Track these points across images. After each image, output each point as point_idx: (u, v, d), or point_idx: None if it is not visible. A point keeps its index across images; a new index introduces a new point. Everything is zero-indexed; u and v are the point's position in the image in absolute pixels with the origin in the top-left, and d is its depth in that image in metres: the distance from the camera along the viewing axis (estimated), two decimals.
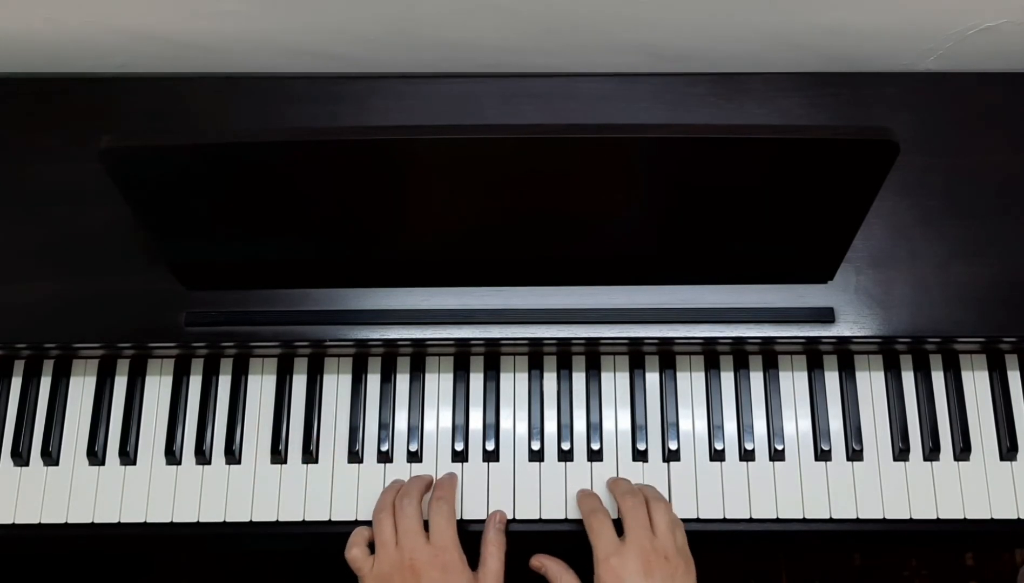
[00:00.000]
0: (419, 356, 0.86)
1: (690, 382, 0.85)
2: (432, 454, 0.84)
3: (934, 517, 0.82)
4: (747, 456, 0.83)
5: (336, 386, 0.85)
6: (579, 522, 0.78)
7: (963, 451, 0.83)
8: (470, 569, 0.75)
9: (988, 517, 0.82)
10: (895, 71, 0.89)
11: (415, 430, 0.84)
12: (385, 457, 0.83)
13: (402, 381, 0.85)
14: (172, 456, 0.83)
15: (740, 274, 0.79)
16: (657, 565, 0.72)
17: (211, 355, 0.86)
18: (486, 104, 0.82)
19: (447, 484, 0.80)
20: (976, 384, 0.85)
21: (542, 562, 0.78)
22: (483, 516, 0.81)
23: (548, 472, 0.83)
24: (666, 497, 0.81)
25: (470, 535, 0.81)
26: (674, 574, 0.72)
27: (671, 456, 0.83)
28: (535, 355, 0.86)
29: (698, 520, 0.81)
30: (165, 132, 0.78)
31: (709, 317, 0.79)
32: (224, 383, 0.86)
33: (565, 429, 0.84)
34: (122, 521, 0.82)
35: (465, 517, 0.82)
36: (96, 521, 0.82)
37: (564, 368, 0.86)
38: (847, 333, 0.79)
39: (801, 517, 0.82)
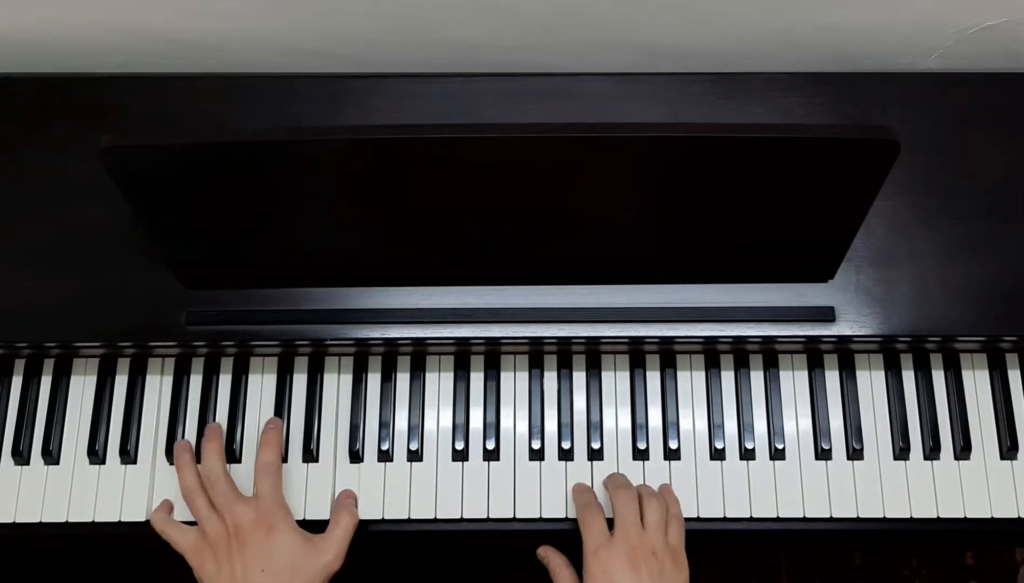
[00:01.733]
0: (419, 355, 0.86)
1: (690, 381, 0.85)
2: (432, 453, 0.84)
3: (934, 516, 0.82)
4: (747, 455, 0.83)
5: (336, 385, 0.85)
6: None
7: (963, 450, 0.83)
8: (303, 531, 0.76)
9: (988, 516, 0.82)
10: (895, 70, 0.89)
11: (415, 429, 0.84)
12: (385, 456, 0.83)
13: (402, 380, 0.85)
14: (173, 455, 0.83)
15: (740, 273, 0.79)
16: (643, 560, 0.73)
17: (211, 354, 0.86)
18: (486, 104, 0.82)
19: (272, 443, 0.80)
20: (976, 383, 0.85)
21: (547, 553, 0.79)
22: (484, 515, 0.81)
23: (548, 471, 0.83)
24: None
25: (472, 535, 0.81)
26: (661, 569, 0.73)
27: (671, 455, 0.83)
28: (535, 354, 0.86)
29: (699, 519, 0.81)
30: (165, 131, 0.78)
31: (709, 316, 0.79)
32: (224, 382, 0.86)
33: (565, 428, 0.84)
34: (123, 520, 0.82)
35: (466, 516, 0.82)
36: (96, 520, 0.82)
37: (564, 367, 0.86)
38: (847, 332, 0.79)
39: (801, 516, 0.82)
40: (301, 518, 0.81)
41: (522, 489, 0.82)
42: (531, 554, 0.80)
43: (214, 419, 0.85)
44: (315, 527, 0.79)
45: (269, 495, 0.76)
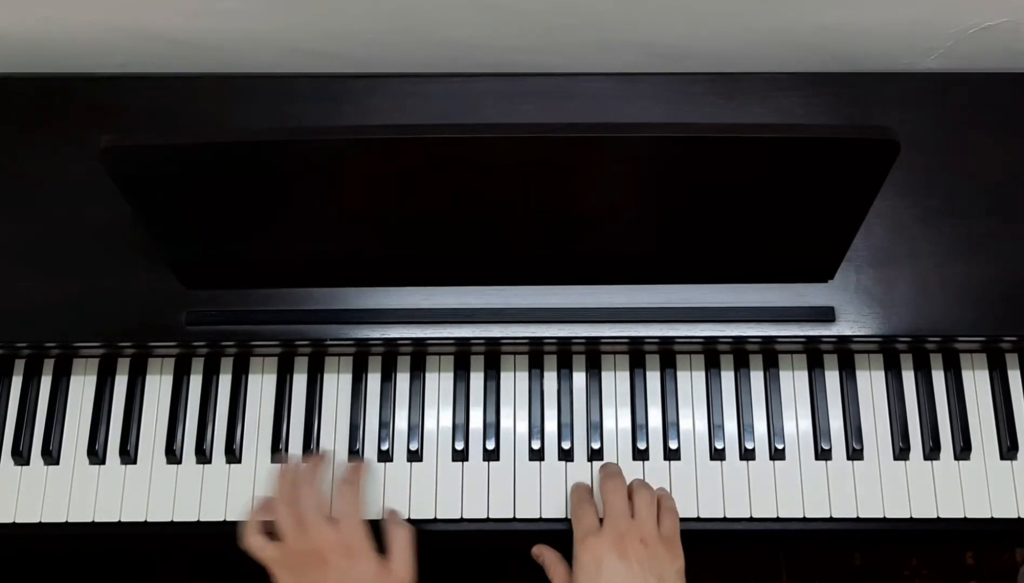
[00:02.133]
0: (419, 355, 0.86)
1: (690, 381, 0.85)
2: (432, 453, 0.84)
3: (934, 516, 0.82)
4: (747, 455, 0.83)
5: (336, 385, 0.85)
6: None
7: (963, 450, 0.83)
8: (377, 554, 0.75)
9: (988, 516, 0.82)
10: (895, 70, 0.89)
11: (415, 429, 0.84)
12: (385, 456, 0.83)
13: (402, 380, 0.85)
14: (172, 455, 0.83)
15: (740, 273, 0.79)
16: (632, 548, 0.73)
17: (211, 354, 0.86)
18: (486, 104, 0.82)
19: (355, 468, 0.80)
20: (976, 383, 0.85)
21: (541, 551, 0.80)
22: (483, 515, 0.81)
23: (548, 471, 0.83)
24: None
25: (471, 535, 0.81)
26: (652, 557, 0.73)
27: (671, 455, 0.83)
28: (535, 354, 0.86)
29: (698, 519, 0.81)
30: (165, 131, 0.78)
31: (709, 316, 0.79)
32: (224, 382, 0.86)
33: (565, 428, 0.84)
34: (122, 520, 0.82)
35: (466, 516, 0.82)
36: (96, 520, 0.82)
37: (564, 367, 0.86)
38: (847, 332, 0.79)
39: (801, 516, 0.82)
40: None
41: (522, 489, 0.82)
42: (530, 554, 0.80)
43: (214, 419, 0.85)
44: None
45: (349, 516, 0.76)
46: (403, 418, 0.84)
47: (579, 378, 0.85)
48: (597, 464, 0.83)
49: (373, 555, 0.74)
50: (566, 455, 0.83)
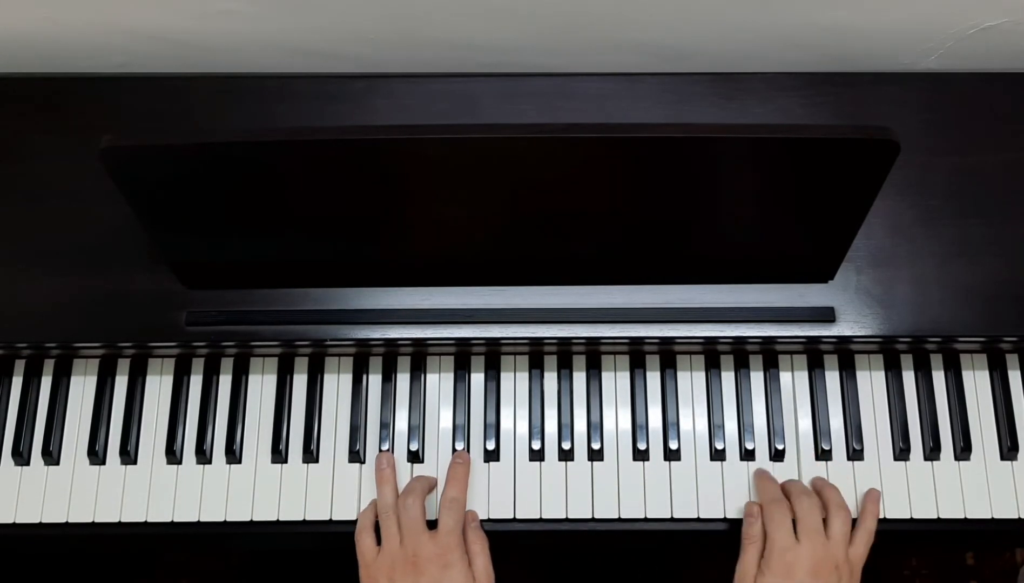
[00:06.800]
0: (419, 356, 0.86)
1: (691, 381, 0.85)
2: (433, 454, 0.84)
3: (934, 516, 0.82)
4: (748, 456, 0.83)
5: (336, 386, 0.85)
6: (579, 522, 0.78)
7: (964, 450, 0.83)
8: (467, 567, 0.76)
9: (988, 516, 0.82)
10: (895, 71, 0.89)
11: (415, 430, 0.84)
12: None
13: (402, 381, 0.85)
14: (173, 455, 0.83)
15: (741, 273, 0.79)
16: (825, 571, 0.74)
17: (212, 355, 0.86)
18: (486, 104, 0.82)
19: (459, 478, 0.80)
20: (977, 383, 0.85)
21: (755, 514, 0.78)
22: (483, 516, 0.81)
23: (548, 472, 0.83)
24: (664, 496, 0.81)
25: None
26: (839, 582, 0.74)
27: (671, 455, 0.83)
28: (536, 354, 0.86)
29: (699, 519, 0.81)
30: (165, 132, 0.77)
31: (710, 316, 0.79)
32: (225, 383, 0.86)
33: (566, 428, 0.84)
34: (123, 520, 0.82)
35: None
36: (97, 520, 0.82)
37: (564, 368, 0.85)
38: (848, 332, 0.79)
39: None
40: (300, 519, 0.81)
41: (522, 490, 0.82)
42: (530, 554, 0.80)
43: (214, 419, 0.85)
44: (317, 527, 0.79)
45: (451, 531, 0.76)
46: (403, 419, 0.84)
47: (579, 378, 0.85)
48: (597, 464, 0.83)
49: (465, 568, 0.75)
50: (566, 455, 0.83)
